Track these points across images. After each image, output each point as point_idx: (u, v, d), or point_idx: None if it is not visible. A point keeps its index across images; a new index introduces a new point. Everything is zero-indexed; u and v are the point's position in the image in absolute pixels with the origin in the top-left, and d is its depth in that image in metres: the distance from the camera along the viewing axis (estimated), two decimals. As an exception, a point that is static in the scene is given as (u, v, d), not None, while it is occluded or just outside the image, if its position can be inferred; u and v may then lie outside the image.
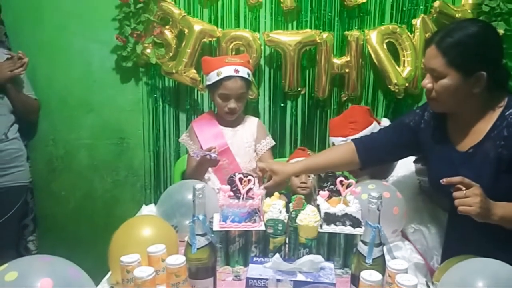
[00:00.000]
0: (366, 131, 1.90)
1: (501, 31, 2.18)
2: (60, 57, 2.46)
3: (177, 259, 1.12)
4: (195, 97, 2.46)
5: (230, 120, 2.10)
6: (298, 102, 2.46)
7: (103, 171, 2.59)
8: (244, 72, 2.03)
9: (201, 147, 2.03)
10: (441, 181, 1.31)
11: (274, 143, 2.20)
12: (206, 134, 2.09)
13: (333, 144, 2.00)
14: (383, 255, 1.20)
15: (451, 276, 1.10)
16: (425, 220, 1.78)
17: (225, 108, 2.04)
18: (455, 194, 1.28)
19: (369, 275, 1.09)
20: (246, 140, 2.12)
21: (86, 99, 2.51)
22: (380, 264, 1.18)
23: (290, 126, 2.49)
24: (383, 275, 1.16)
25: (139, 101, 2.48)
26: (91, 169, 2.59)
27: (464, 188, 1.27)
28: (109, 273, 1.37)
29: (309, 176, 1.97)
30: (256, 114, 2.42)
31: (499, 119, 1.38)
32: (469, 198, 1.25)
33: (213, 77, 2.03)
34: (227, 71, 2.00)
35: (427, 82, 1.43)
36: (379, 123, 1.99)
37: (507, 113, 1.37)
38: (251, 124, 2.17)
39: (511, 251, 1.32)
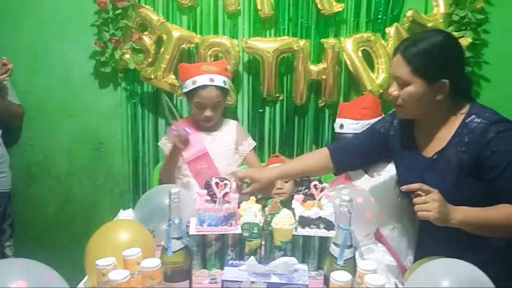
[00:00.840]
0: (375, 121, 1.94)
1: (469, 40, 2.27)
2: (39, 62, 2.45)
3: (152, 262, 1.15)
4: (174, 103, 2.47)
5: (209, 126, 2.13)
6: (276, 107, 2.49)
7: (81, 176, 2.58)
8: (219, 80, 2.03)
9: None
10: (400, 188, 1.37)
11: (254, 143, 2.22)
12: None
13: (341, 125, 2.06)
14: (354, 257, 1.23)
15: (417, 276, 1.14)
16: (405, 220, 1.82)
17: (201, 116, 2.06)
18: (415, 200, 1.34)
19: (339, 276, 1.13)
20: (226, 144, 2.13)
21: (64, 104, 2.50)
22: (351, 265, 1.21)
23: (268, 131, 2.52)
24: (354, 276, 1.20)
25: (118, 106, 2.49)
26: (70, 175, 2.58)
27: (424, 194, 1.33)
28: (86, 277, 1.38)
29: (285, 182, 2.00)
30: (235, 119, 2.44)
31: (460, 126, 1.44)
32: (427, 204, 1.31)
33: (188, 85, 2.04)
34: (202, 80, 2.01)
35: (393, 90, 1.49)
36: None
37: (467, 120, 1.43)
38: (230, 127, 2.19)
39: (479, 253, 1.37)
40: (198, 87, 2.01)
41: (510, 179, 1.34)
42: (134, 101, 2.48)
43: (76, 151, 2.55)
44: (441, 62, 1.42)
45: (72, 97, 2.49)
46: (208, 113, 2.04)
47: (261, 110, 2.49)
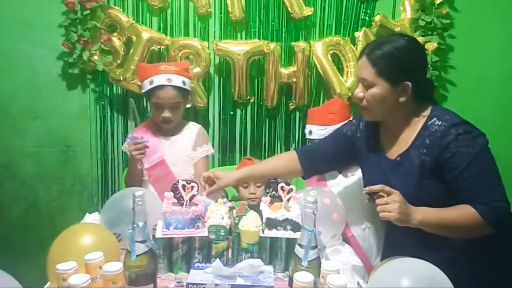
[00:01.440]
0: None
1: (435, 45, 2.32)
2: (4, 63, 2.40)
3: (114, 266, 1.13)
4: (144, 105, 2.44)
5: (168, 128, 2.07)
6: (247, 110, 2.50)
7: (48, 179, 2.53)
8: (178, 81, 1.98)
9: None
10: (362, 192, 1.40)
11: (212, 151, 2.16)
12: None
13: (310, 132, 2.09)
14: (318, 258, 1.25)
15: (378, 275, 1.16)
16: (377, 220, 1.83)
17: (159, 117, 2.00)
18: (377, 201, 1.36)
19: (302, 276, 1.14)
20: (184, 149, 2.07)
21: (31, 106, 2.45)
22: (315, 266, 1.22)
23: (239, 134, 2.52)
24: (318, 276, 1.21)
25: (86, 108, 2.45)
26: (36, 178, 2.53)
27: (385, 195, 1.35)
28: (48, 283, 1.35)
29: (258, 187, 1.99)
30: (206, 122, 2.45)
31: (422, 128, 1.48)
32: (388, 205, 1.33)
33: (146, 85, 1.98)
34: (159, 79, 1.96)
35: (358, 91, 1.52)
36: None
37: (429, 122, 1.46)
38: (191, 131, 2.12)
39: (442, 252, 1.41)
40: (155, 87, 1.96)
41: (469, 180, 1.37)
42: (103, 103, 2.44)
43: (43, 154, 2.50)
44: (404, 65, 1.45)
45: (39, 99, 2.44)
46: (166, 114, 1.98)
47: (232, 113, 2.49)
